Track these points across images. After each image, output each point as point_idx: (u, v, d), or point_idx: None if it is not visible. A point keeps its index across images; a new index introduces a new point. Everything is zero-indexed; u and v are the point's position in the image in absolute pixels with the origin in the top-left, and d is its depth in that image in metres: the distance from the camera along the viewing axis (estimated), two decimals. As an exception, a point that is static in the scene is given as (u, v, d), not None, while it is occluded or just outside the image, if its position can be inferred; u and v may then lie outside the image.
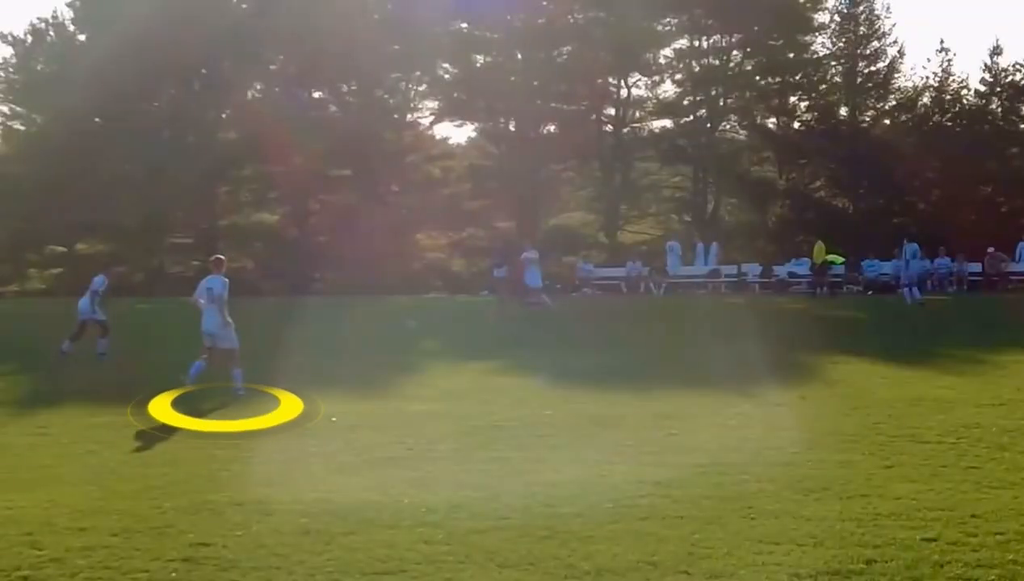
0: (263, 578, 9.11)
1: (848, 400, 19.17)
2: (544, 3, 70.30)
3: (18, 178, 62.98)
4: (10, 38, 67.26)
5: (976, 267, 54.95)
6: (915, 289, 42.78)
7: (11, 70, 67.75)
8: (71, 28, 68.39)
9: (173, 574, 9.17)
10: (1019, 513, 10.76)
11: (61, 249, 66.76)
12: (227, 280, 20.10)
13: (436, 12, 67.43)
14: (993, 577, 8.86)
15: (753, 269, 58.89)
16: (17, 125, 68.85)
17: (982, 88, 71.44)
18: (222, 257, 20.82)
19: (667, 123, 75.91)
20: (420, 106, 74.03)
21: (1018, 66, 69.49)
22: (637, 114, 76.60)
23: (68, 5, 67.73)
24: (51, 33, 67.86)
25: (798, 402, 19.15)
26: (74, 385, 21.46)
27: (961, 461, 13.44)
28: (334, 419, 16.96)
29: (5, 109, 67.96)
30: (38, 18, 68.28)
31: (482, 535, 10.18)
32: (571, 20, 71.11)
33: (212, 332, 19.54)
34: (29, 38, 67.44)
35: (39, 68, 67.63)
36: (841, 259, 54.22)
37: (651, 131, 76.80)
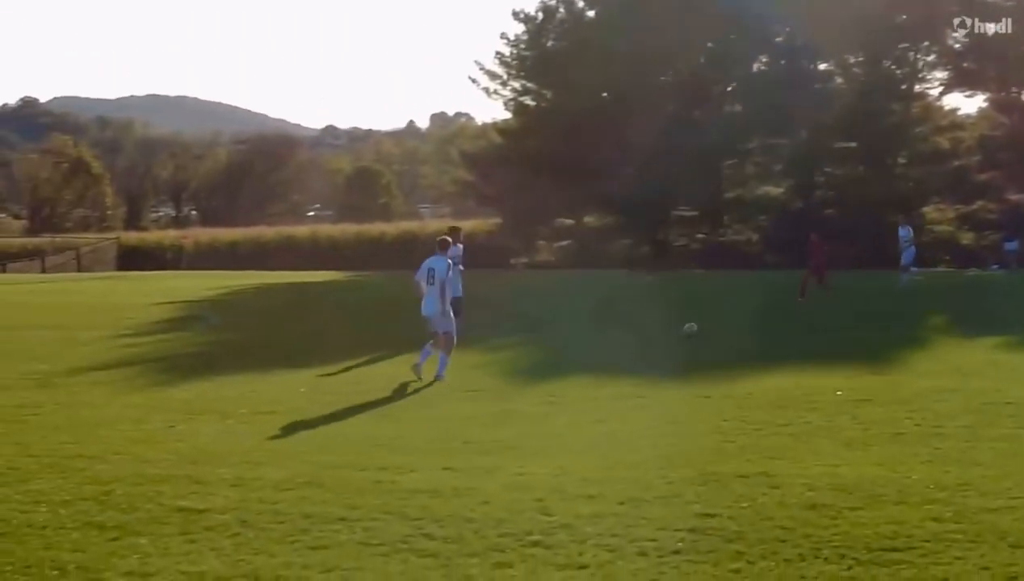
0: (768, 550, 9.04)
1: None
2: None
3: (530, 153, 65.23)
4: (522, 16, 69.47)
5: None
6: None
7: (523, 46, 69.67)
8: (580, 5, 70.00)
9: (680, 543, 9.20)
10: None
11: (569, 222, 68.73)
12: (450, 262, 19.83)
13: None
14: None
15: None
16: (528, 100, 70.87)
17: None
18: (448, 238, 20.65)
19: None
20: (928, 77, 71.33)
21: None
22: None
23: (578, -17, 69.58)
24: (561, 10, 69.65)
25: None
26: (580, 356, 21.94)
27: None
28: (839, 393, 16.64)
29: (517, 85, 70.21)
30: (549, -4, 70.00)
31: (993, 514, 9.80)
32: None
33: (430, 316, 19.33)
34: (540, 15, 69.33)
35: (549, 44, 69.36)
36: None
37: None
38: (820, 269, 35.56)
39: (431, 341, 19.30)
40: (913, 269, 39.99)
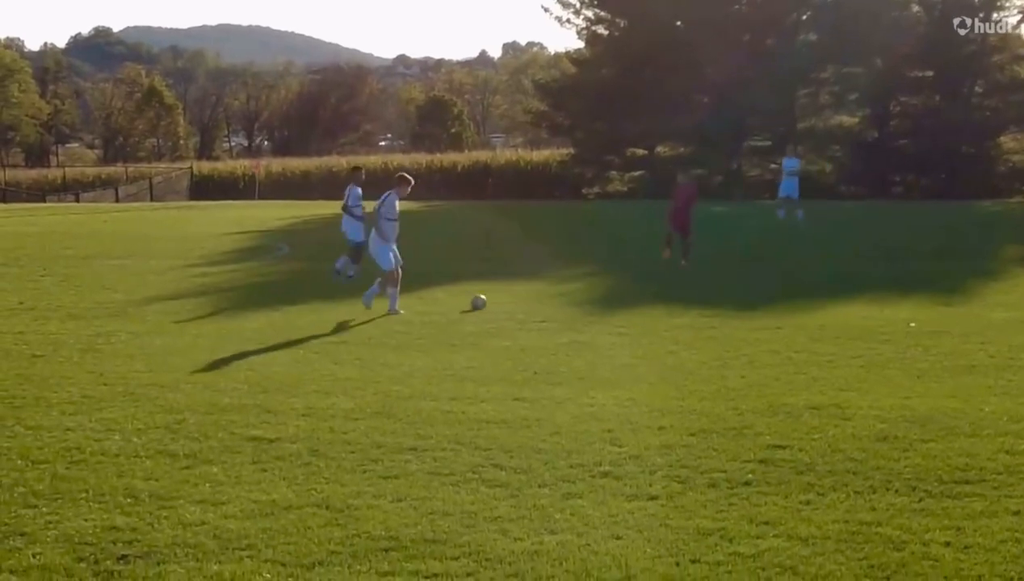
0: (839, 482, 9.05)
1: None
2: None
3: (603, 82, 64.88)
4: (595, -55, 68.85)
5: None
6: None
7: (596, -24, 69.14)
8: (653, -67, 69.32)
9: (750, 475, 9.25)
10: None
11: (642, 152, 68.39)
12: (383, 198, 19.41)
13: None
14: None
15: None
16: (601, 29, 70.02)
17: None
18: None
19: None
20: (1007, 5, 70.11)
21: None
22: None
23: (652, -87, 68.76)
24: (634, -62, 69.01)
25: None
26: (652, 286, 21.94)
27: None
28: (912, 324, 16.53)
29: (590, 14, 69.44)
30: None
31: None
32: None
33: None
34: (613, -56, 68.65)
35: (622, -27, 68.75)
36: None
37: None
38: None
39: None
40: (780, 211, 37.88)
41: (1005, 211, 42.74)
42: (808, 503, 8.63)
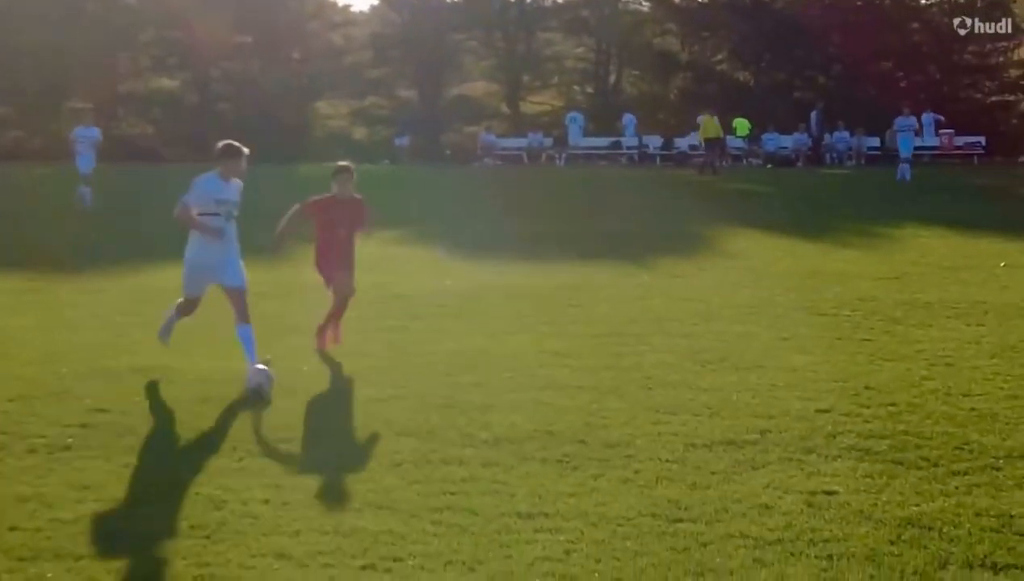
0: (161, 445, 9.43)
1: (746, 272, 19.66)
2: None
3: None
4: None
5: (875, 141, 56.92)
6: None
7: None
8: None
9: (70, 439, 9.38)
10: (910, 385, 11.24)
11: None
12: None
13: None
14: (884, 447, 9.27)
15: (654, 141, 60.87)
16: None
17: (882, -36, 72.98)
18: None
19: (570, -7, 76.95)
20: None
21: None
22: (541, -16, 77.42)
23: None
24: None
25: (697, 273, 19.62)
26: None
27: (856, 333, 13.94)
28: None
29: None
30: None
31: (382, 404, 10.49)
32: None
33: None
34: None
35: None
36: (746, 127, 57.17)
37: (555, 1, 78.44)
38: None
39: None
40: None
41: (322, 173, 44.60)
42: (128, 465, 8.90)
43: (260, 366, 11.36)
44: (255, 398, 10.85)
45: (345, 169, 13.67)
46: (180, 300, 12.28)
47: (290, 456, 9.23)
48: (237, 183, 12.11)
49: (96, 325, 14.55)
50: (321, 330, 13.39)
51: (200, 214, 11.85)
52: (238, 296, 11.96)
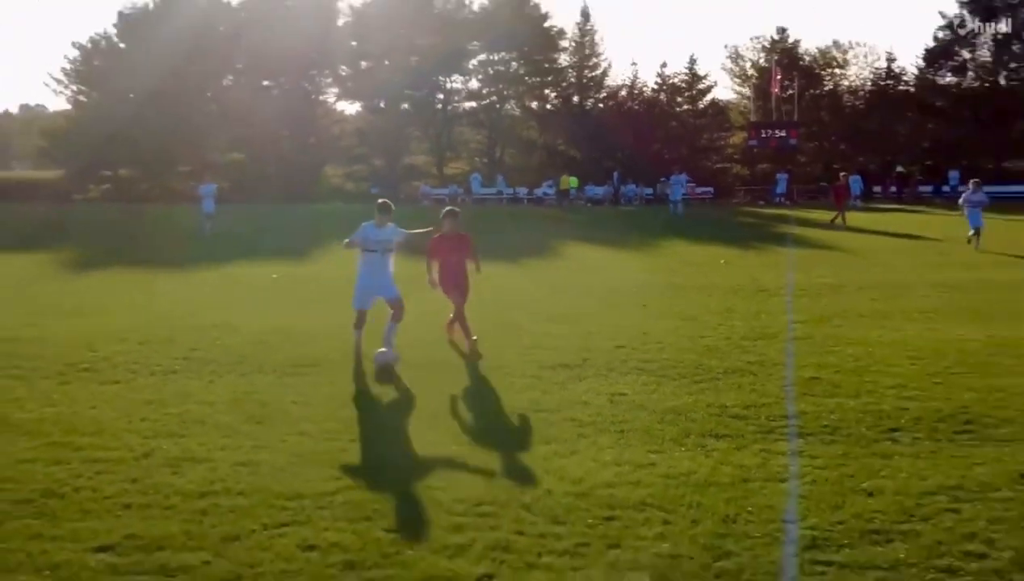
0: (232, 370, 13.11)
1: (577, 266, 25.11)
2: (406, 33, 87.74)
3: None
4: None
5: (650, 191, 76.97)
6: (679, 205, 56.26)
7: None
8: None
9: (177, 367, 12.84)
10: (668, 332, 15.49)
11: None
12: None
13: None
14: (654, 367, 12.78)
15: (522, 190, 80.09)
16: None
17: (655, 86, 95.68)
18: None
19: (473, 104, 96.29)
20: (328, 92, 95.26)
21: (675, 73, 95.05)
22: (456, 99, 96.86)
23: None
24: None
25: (547, 266, 25.17)
26: None
27: (629, 301, 18.72)
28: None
29: None
30: None
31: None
32: (415, 43, 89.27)
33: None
34: None
35: None
36: (576, 182, 73.86)
37: (464, 109, 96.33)
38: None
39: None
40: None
41: (327, 211, 54.84)
42: (212, 382, 12.33)
43: (383, 350, 14.47)
44: (383, 374, 13.70)
45: (453, 213, 16.19)
46: (354, 319, 15.41)
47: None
48: (391, 227, 15.40)
49: (192, 297, 19.14)
50: (449, 324, 16.16)
51: (364, 250, 15.53)
52: (396, 304, 15.40)
